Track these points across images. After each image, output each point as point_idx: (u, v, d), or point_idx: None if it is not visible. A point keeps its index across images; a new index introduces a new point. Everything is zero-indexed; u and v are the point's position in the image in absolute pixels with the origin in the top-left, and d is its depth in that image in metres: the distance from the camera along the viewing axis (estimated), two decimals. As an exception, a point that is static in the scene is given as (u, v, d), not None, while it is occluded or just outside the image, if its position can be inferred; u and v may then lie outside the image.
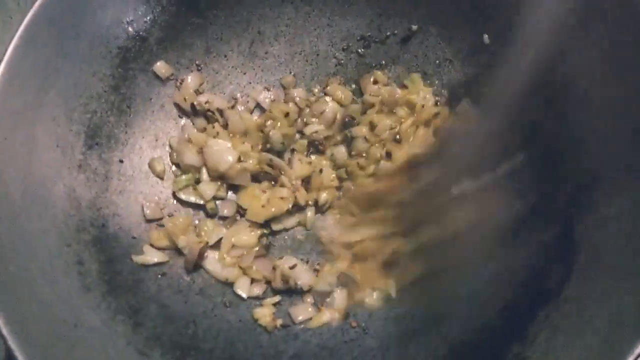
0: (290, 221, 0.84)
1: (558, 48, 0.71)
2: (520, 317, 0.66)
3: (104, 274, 0.73)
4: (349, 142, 0.86)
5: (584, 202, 0.68)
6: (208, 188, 0.83)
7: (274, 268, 0.79)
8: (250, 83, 0.90)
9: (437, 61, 0.87)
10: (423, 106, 0.84)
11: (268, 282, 0.80)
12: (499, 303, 0.70)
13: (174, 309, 0.75)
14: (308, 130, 0.86)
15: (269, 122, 0.85)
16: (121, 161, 0.81)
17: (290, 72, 0.90)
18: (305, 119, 0.87)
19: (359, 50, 0.90)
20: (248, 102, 0.88)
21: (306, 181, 0.84)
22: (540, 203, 0.73)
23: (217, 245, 0.81)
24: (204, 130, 0.86)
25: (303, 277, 0.78)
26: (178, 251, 0.79)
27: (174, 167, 0.85)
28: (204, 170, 0.84)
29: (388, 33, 0.88)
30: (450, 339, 0.70)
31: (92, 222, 0.76)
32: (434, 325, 0.73)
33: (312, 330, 0.76)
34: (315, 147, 0.87)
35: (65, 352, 0.63)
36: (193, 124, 0.87)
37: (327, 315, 0.76)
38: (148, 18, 0.83)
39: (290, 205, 0.81)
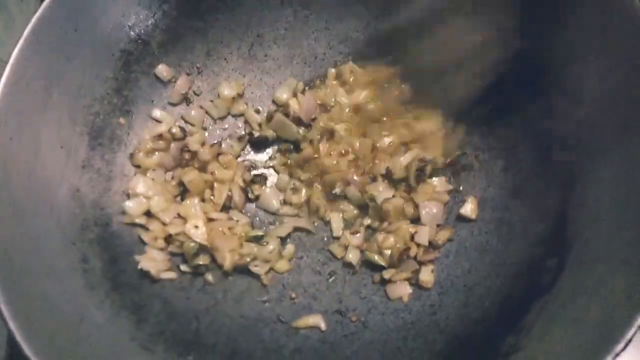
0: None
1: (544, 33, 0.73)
2: (515, 309, 0.67)
3: (107, 272, 0.74)
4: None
5: (576, 197, 0.69)
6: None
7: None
8: (250, 85, 0.91)
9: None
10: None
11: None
12: (495, 295, 0.71)
13: (176, 306, 0.76)
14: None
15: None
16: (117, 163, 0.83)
17: (290, 74, 0.92)
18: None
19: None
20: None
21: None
22: (533, 199, 0.74)
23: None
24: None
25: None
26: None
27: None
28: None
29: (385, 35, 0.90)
30: (447, 331, 0.72)
31: (95, 221, 0.77)
32: (431, 317, 0.74)
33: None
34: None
35: (71, 347, 0.64)
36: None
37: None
38: (150, 22, 0.85)
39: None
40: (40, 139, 0.73)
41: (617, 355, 0.53)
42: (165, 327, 0.74)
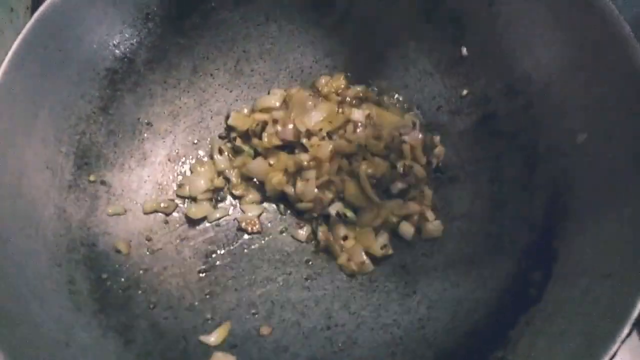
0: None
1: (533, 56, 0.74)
2: (502, 323, 0.67)
3: (94, 293, 0.74)
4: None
5: (561, 210, 0.69)
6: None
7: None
8: (237, 100, 0.91)
9: (418, 75, 0.88)
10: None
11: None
12: (482, 309, 0.71)
13: (164, 325, 0.76)
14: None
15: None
16: (103, 183, 0.83)
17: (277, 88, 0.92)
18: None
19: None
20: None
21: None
22: (519, 211, 0.74)
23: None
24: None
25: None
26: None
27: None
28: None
29: (369, 48, 0.90)
30: (435, 345, 0.71)
31: (82, 242, 0.77)
32: (419, 332, 0.73)
33: (302, 342, 0.77)
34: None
35: (57, 371, 0.63)
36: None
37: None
38: (135, 40, 0.85)
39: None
40: (26, 160, 0.73)
41: (603, 369, 0.53)
42: (153, 348, 0.73)
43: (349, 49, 0.91)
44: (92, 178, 0.81)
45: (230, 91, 0.92)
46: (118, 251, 0.79)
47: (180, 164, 0.89)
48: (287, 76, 0.92)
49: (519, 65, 0.77)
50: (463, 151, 0.84)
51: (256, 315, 0.79)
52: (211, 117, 0.91)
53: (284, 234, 0.86)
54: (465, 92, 0.84)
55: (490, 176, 0.80)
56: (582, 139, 0.69)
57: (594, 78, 0.68)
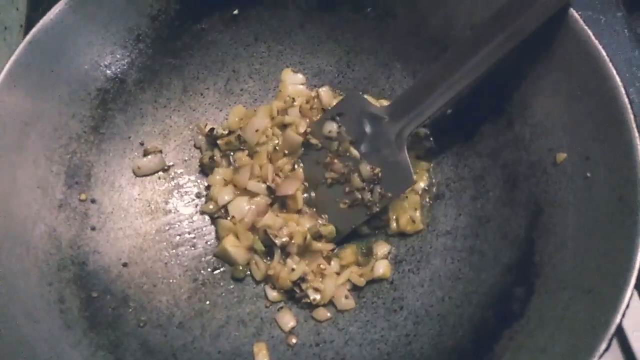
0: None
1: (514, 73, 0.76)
2: (486, 338, 0.68)
3: (84, 311, 0.74)
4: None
5: (543, 226, 0.71)
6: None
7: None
8: (226, 119, 0.93)
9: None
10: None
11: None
12: (467, 324, 0.72)
13: (154, 343, 0.76)
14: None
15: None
16: (94, 201, 0.83)
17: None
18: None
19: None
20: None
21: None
22: (502, 227, 0.76)
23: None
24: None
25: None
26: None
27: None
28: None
29: (356, 69, 0.93)
30: (422, 360, 0.73)
31: (72, 260, 0.77)
32: (406, 348, 0.75)
33: (291, 359, 0.77)
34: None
35: (47, 390, 0.64)
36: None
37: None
38: (125, 61, 0.86)
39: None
40: (16, 179, 0.74)
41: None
42: (143, 366, 0.74)
43: (336, 68, 0.93)
44: (82, 197, 0.82)
45: (220, 110, 0.93)
46: (108, 270, 0.80)
47: (171, 182, 0.90)
48: (276, 94, 0.94)
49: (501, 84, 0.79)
50: (447, 170, 0.85)
51: (245, 332, 0.80)
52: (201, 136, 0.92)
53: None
54: (449, 111, 0.86)
55: (474, 193, 0.81)
56: (562, 159, 0.71)
57: (572, 99, 0.70)
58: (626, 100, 0.65)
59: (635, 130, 0.63)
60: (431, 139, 0.87)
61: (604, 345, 0.54)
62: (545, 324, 0.63)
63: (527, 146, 0.76)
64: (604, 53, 0.68)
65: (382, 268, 0.82)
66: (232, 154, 0.91)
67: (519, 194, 0.75)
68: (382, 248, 0.84)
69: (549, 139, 0.73)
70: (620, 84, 0.66)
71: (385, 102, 0.89)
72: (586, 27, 0.69)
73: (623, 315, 0.55)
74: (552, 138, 0.73)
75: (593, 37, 0.68)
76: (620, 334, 0.75)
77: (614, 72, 0.66)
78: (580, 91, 0.69)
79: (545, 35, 0.71)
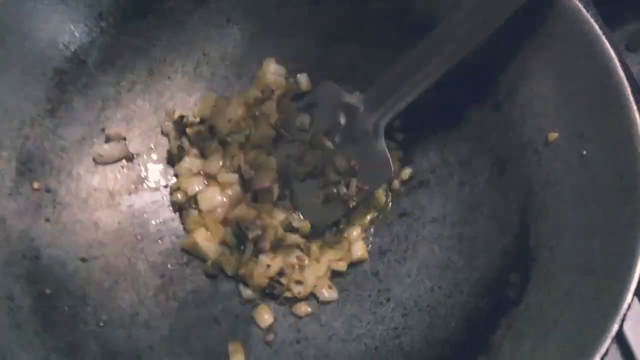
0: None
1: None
2: (482, 327, 0.64)
3: (37, 310, 0.67)
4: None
5: (536, 209, 0.68)
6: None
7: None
8: (196, 105, 0.87)
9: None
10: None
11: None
12: (460, 314, 0.69)
13: (116, 345, 0.70)
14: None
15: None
16: (48, 191, 0.76)
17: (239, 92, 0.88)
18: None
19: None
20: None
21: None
22: (492, 212, 0.72)
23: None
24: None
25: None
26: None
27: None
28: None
29: (336, 54, 0.88)
30: (412, 355, 0.68)
31: (24, 254, 0.70)
32: (394, 341, 0.70)
33: (270, 358, 0.72)
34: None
35: (-9, 398, 0.56)
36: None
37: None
38: (86, 40, 0.79)
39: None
40: (-39, 166, 0.67)
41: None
42: (103, 370, 0.67)
43: (314, 53, 0.88)
44: (36, 185, 0.74)
45: (190, 95, 0.87)
46: (64, 265, 0.73)
47: (134, 171, 0.83)
48: (249, 80, 0.89)
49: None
50: (432, 155, 0.82)
51: (218, 331, 0.74)
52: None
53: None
54: (432, 95, 0.82)
55: (461, 179, 0.78)
56: (554, 138, 0.68)
57: (563, 76, 0.68)
58: (622, 73, 0.63)
59: (634, 103, 0.60)
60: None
61: (615, 327, 0.50)
62: (547, 309, 0.59)
63: (516, 127, 0.73)
64: (596, 26, 0.65)
65: (359, 250, 0.78)
66: (201, 142, 0.85)
67: (510, 177, 0.72)
68: (353, 232, 0.80)
69: (539, 118, 0.71)
70: (614, 56, 0.63)
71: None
72: (577, 1, 0.67)
73: (635, 295, 0.51)
74: (542, 117, 0.70)
75: (584, 10, 0.66)
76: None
77: (608, 44, 0.64)
78: (572, 67, 0.67)
79: (533, 11, 0.69)
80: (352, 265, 0.78)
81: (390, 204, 0.82)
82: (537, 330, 0.59)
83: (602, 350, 0.50)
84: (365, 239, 0.80)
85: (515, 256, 0.67)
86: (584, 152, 0.64)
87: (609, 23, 1.03)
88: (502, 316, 0.63)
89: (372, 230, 0.81)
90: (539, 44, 0.70)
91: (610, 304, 0.53)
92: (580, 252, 0.60)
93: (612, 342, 0.50)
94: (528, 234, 0.67)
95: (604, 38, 0.64)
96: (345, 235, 0.80)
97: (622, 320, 0.50)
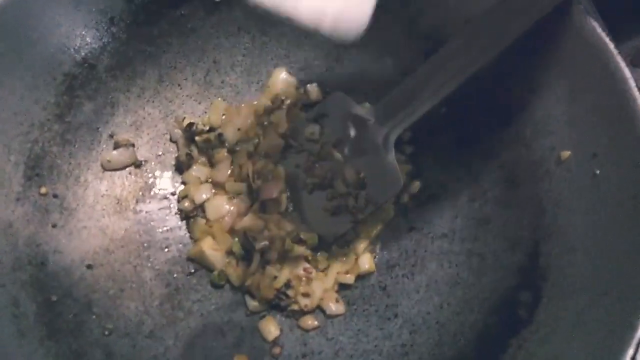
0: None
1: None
2: (492, 346, 0.64)
3: (42, 317, 0.67)
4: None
5: (548, 227, 0.67)
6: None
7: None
8: (205, 113, 0.87)
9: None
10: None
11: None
12: (469, 332, 0.68)
13: (121, 354, 0.70)
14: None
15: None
16: (56, 196, 0.76)
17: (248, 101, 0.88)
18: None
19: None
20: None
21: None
22: (502, 229, 0.72)
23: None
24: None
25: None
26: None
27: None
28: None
29: (345, 63, 0.88)
30: (421, 372, 0.67)
31: (30, 260, 0.70)
32: (403, 358, 0.69)
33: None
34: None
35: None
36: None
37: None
38: (97, 45, 0.79)
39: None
40: (-31, 169, 0.66)
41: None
42: (107, 379, 0.66)
43: (324, 63, 0.88)
44: (43, 191, 0.74)
45: (199, 103, 0.87)
46: (70, 271, 0.72)
47: (142, 178, 0.83)
48: (259, 89, 0.88)
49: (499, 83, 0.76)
50: (441, 169, 0.81)
51: (223, 343, 0.73)
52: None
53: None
54: (443, 109, 0.82)
55: (471, 194, 0.77)
56: (566, 157, 0.67)
57: (576, 94, 0.67)
58: (636, 92, 0.62)
59: (647, 123, 0.60)
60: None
61: (631, 351, 0.50)
62: (558, 330, 0.58)
63: (527, 144, 0.72)
64: (611, 45, 0.65)
65: (367, 263, 0.78)
66: (210, 150, 0.85)
67: (521, 195, 0.71)
68: (360, 244, 0.79)
69: (551, 136, 0.70)
70: (628, 75, 0.63)
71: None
72: (591, 19, 0.66)
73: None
74: (554, 135, 0.69)
75: (599, 29, 0.66)
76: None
77: (622, 64, 0.63)
78: (585, 85, 0.66)
79: (546, 28, 0.68)
80: (360, 278, 0.78)
81: (399, 217, 0.81)
82: (547, 352, 0.58)
83: (617, 373, 0.49)
84: (372, 252, 0.80)
85: (526, 274, 0.66)
86: (597, 172, 0.64)
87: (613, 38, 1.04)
88: (513, 335, 0.62)
89: (380, 243, 0.80)
90: (552, 61, 0.69)
91: (625, 327, 0.52)
92: (593, 273, 0.59)
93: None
94: (539, 253, 0.66)
95: (618, 57, 0.64)
96: (353, 247, 0.79)
97: (638, 345, 0.50)
